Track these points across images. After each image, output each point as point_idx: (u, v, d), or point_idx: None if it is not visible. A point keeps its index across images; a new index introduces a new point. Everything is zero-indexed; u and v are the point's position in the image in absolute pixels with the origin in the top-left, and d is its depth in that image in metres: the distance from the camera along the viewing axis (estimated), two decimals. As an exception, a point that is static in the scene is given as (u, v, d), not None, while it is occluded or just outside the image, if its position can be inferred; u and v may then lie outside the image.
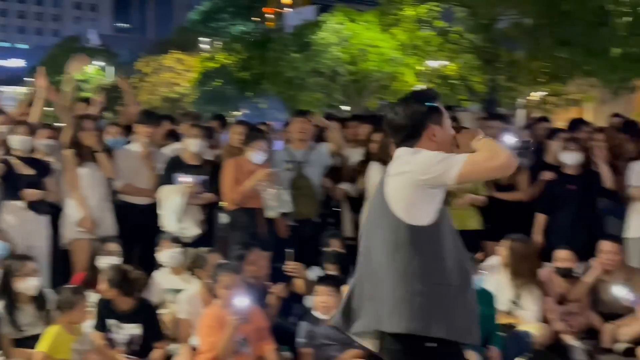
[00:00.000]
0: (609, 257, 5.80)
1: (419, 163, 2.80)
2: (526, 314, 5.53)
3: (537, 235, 6.40)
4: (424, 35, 18.08)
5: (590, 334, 5.83)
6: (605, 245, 5.78)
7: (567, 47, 14.65)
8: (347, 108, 21.83)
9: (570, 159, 6.29)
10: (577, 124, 7.53)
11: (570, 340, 5.59)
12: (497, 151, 2.75)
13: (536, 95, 21.73)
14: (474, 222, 6.26)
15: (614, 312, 5.85)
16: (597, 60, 14.27)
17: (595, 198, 6.28)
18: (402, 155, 2.91)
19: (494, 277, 5.66)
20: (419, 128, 2.92)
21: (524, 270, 5.58)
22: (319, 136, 7.12)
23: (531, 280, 5.61)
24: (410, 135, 2.93)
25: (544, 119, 8.41)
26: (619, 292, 5.33)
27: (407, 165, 2.84)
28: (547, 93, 21.43)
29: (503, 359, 5.12)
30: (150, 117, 7.08)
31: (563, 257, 5.94)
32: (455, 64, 18.17)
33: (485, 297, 5.22)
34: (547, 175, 6.39)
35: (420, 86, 20.78)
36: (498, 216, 6.30)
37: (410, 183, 2.80)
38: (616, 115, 7.97)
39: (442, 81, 18.37)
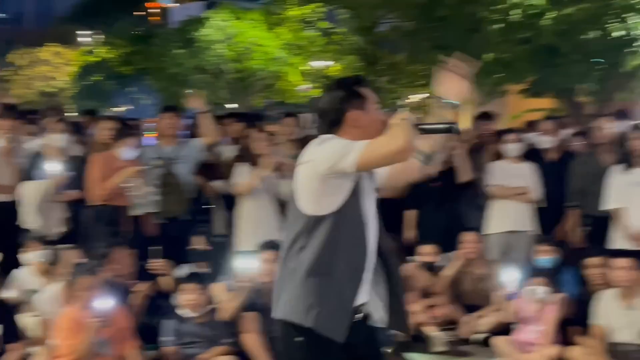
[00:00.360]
0: (470, 246, 6.07)
1: (321, 152, 2.75)
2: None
3: (409, 231, 6.60)
4: (308, 35, 18.26)
5: (451, 325, 6.08)
6: (466, 236, 6.05)
7: (443, 51, 15.16)
8: (235, 105, 21.72)
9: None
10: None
11: (432, 331, 5.81)
12: (396, 135, 2.65)
13: (416, 97, 22.49)
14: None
15: (474, 304, 6.14)
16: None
17: (458, 194, 6.53)
18: (312, 144, 2.84)
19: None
20: (339, 114, 2.85)
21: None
22: (192, 132, 7.04)
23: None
24: (332, 121, 2.86)
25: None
26: (507, 277, 5.47)
27: (311, 154, 2.78)
28: (426, 95, 22.24)
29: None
30: (11, 111, 6.78)
31: (427, 251, 6.17)
32: (339, 64, 18.47)
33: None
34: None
35: (305, 86, 21.04)
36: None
37: (312, 173, 2.75)
38: (484, 115, 8.31)
39: (326, 81, 18.65)
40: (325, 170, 2.71)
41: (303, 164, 2.80)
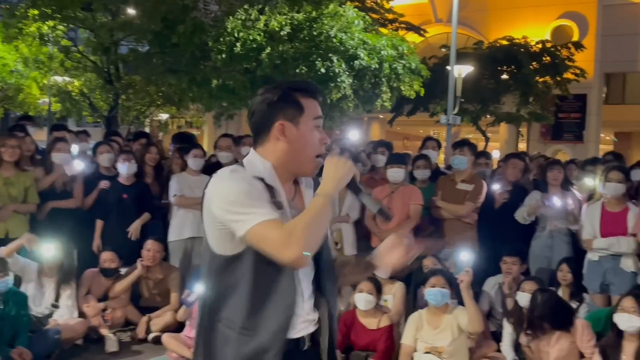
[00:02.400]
0: (150, 254, 6.00)
1: (219, 196, 2.06)
2: (63, 311, 5.42)
3: (97, 240, 6.35)
4: (47, 50, 17.11)
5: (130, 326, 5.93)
6: (148, 244, 5.98)
7: (175, 75, 15.11)
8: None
9: (124, 169, 6.37)
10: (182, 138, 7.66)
11: (105, 332, 5.61)
12: (294, 242, 1.95)
13: (162, 116, 22.10)
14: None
15: (153, 306, 6.05)
16: (199, 89, 14.99)
17: (145, 206, 6.42)
18: (219, 175, 2.12)
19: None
20: (267, 121, 2.14)
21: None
22: None
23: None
24: (259, 130, 2.17)
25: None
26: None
27: (212, 189, 2.10)
28: (169, 115, 21.95)
29: (32, 357, 4.90)
30: None
31: (108, 258, 5.97)
32: (78, 81, 17.55)
33: (17, 299, 4.96)
34: (103, 184, 6.38)
35: (45, 99, 19.67)
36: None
37: (209, 215, 2.09)
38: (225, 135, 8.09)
39: (66, 96, 17.61)
40: (218, 219, 2.06)
41: (205, 199, 2.12)
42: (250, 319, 2.05)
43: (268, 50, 14.14)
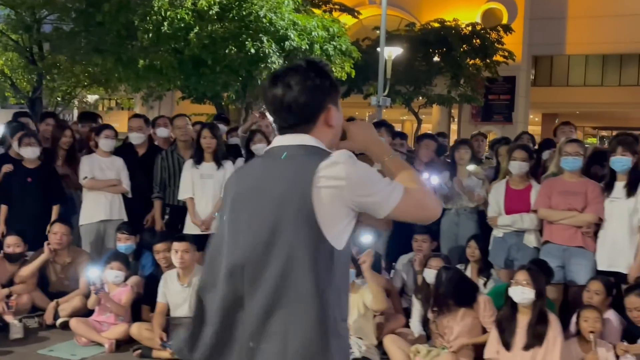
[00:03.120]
0: (57, 238, 5.84)
1: (357, 176, 1.87)
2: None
3: (0, 225, 6.14)
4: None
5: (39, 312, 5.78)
6: (54, 227, 5.83)
7: (100, 55, 14.70)
8: None
9: (27, 153, 6.15)
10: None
11: (10, 319, 5.45)
12: (428, 191, 1.97)
13: (91, 97, 21.50)
14: None
15: (62, 291, 5.91)
16: (126, 69, 14.63)
17: (51, 190, 6.21)
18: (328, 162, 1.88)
19: None
20: (318, 109, 1.98)
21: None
22: None
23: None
24: (305, 117, 1.97)
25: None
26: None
27: (338, 173, 1.86)
28: (98, 96, 21.38)
29: None
30: None
31: (12, 242, 5.79)
32: (0, 61, 16.89)
33: None
34: (6, 168, 6.15)
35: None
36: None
37: (339, 198, 1.87)
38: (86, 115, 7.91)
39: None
40: (355, 202, 1.89)
41: (327, 184, 1.86)
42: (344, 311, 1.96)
43: (196, 29, 13.88)
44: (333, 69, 16.20)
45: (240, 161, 6.24)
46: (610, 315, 4.83)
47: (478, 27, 21.42)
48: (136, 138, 6.55)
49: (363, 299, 4.91)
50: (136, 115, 6.79)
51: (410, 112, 22.50)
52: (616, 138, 5.40)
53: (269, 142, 6.70)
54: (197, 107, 19.18)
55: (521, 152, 5.58)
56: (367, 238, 5.25)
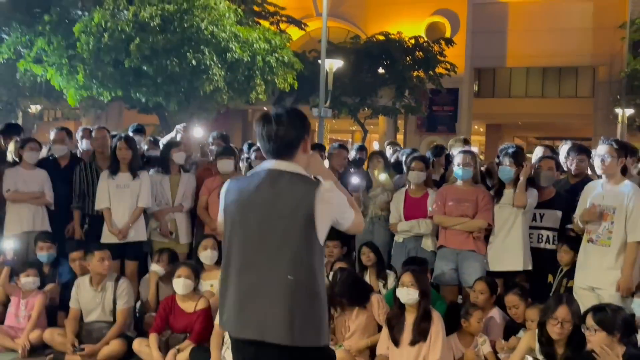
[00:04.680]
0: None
1: (337, 203, 2.80)
2: None
3: None
4: None
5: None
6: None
7: (41, 65, 14.79)
8: None
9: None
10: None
11: None
12: (360, 213, 2.95)
13: (33, 108, 21.33)
14: None
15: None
16: (66, 80, 14.74)
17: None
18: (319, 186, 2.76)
19: None
20: (299, 139, 2.83)
21: None
22: None
23: None
24: (292, 145, 2.81)
25: None
26: None
27: (328, 202, 2.76)
28: (42, 106, 21.25)
29: None
30: None
31: None
32: None
33: None
34: None
35: None
36: None
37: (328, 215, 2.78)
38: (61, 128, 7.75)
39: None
40: (335, 217, 2.81)
41: (324, 203, 2.75)
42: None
43: (137, 41, 14.05)
44: (275, 80, 16.50)
45: (152, 172, 6.44)
46: (495, 312, 5.22)
47: (421, 40, 22.00)
48: (58, 150, 6.72)
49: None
50: (61, 128, 6.95)
51: (356, 122, 22.94)
52: (504, 150, 5.82)
53: (187, 153, 6.86)
54: (144, 117, 19.24)
55: (418, 163, 5.96)
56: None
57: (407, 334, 4.83)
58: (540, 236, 5.62)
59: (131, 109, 18.02)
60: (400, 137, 25.61)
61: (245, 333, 2.77)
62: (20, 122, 18.47)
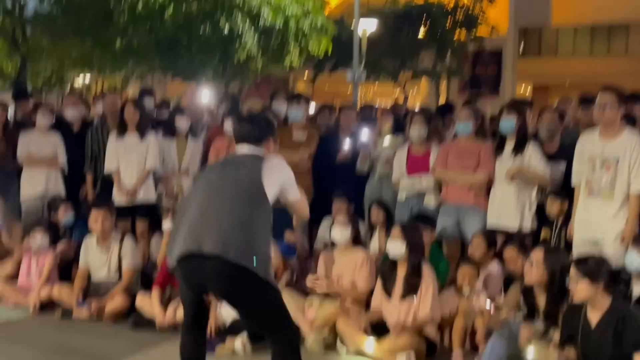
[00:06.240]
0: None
1: (281, 171, 3.49)
2: None
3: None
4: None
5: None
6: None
7: (79, 37, 14.99)
8: None
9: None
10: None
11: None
12: (305, 202, 3.77)
13: (82, 79, 21.79)
14: None
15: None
16: (103, 51, 14.92)
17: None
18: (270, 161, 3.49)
19: None
20: (264, 137, 3.58)
21: None
22: None
23: None
24: (258, 140, 3.56)
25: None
26: None
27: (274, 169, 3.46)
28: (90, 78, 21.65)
29: None
30: None
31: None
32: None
33: None
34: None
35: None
36: None
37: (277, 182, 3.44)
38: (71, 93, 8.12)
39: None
40: (282, 181, 3.48)
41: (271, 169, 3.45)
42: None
43: (171, 9, 14.09)
44: (309, 45, 16.29)
45: (159, 135, 6.47)
46: (493, 266, 5.07)
47: (461, 2, 21.34)
48: (71, 114, 6.84)
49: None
50: (71, 93, 7.07)
51: (397, 86, 22.57)
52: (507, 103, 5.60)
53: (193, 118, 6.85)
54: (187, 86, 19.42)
55: (419, 117, 5.80)
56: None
57: (398, 288, 4.76)
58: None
59: (174, 78, 18.14)
60: (443, 99, 25.07)
61: (186, 247, 3.27)
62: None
